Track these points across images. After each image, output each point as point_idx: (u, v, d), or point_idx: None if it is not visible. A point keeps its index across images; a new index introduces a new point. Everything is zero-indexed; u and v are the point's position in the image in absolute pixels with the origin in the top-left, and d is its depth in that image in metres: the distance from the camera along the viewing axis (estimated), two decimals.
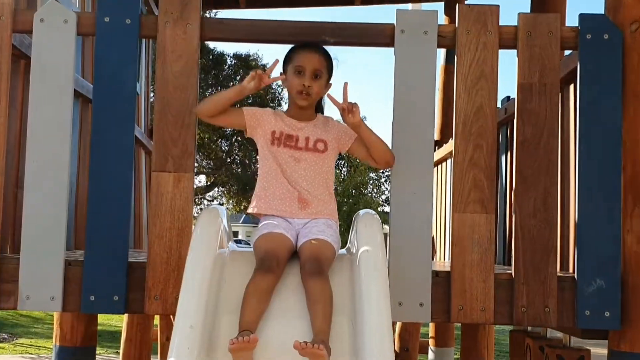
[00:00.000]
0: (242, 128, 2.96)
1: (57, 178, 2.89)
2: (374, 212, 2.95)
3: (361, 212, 2.93)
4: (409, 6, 7.84)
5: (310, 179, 2.91)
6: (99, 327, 4.78)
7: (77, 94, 3.67)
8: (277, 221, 2.85)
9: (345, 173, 29.39)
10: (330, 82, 2.99)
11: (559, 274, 2.94)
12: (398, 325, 7.96)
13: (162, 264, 2.86)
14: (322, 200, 2.92)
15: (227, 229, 2.92)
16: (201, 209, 25.36)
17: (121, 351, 6.00)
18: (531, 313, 2.90)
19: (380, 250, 2.71)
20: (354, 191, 28.93)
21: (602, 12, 3.05)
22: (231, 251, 2.89)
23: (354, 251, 2.82)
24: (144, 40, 5.51)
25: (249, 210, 2.97)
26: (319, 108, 3.05)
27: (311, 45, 2.96)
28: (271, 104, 24.54)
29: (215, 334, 2.58)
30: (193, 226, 2.82)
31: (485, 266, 2.92)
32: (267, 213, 2.88)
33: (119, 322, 10.35)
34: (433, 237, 6.03)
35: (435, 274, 2.93)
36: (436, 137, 6.63)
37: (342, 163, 28.54)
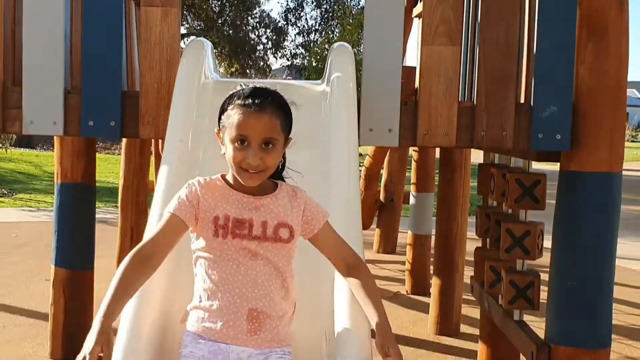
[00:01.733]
0: (187, 230, 2.10)
1: (53, 12, 3.08)
2: (348, 45, 3.17)
3: (335, 45, 3.15)
4: None
5: (269, 280, 2.09)
6: (97, 184, 5.00)
7: None
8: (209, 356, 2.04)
9: None
10: (289, 137, 2.14)
11: (518, 103, 3.21)
12: (383, 177, 8.30)
13: (153, 93, 3.11)
14: (279, 312, 2.11)
15: (212, 60, 3.15)
16: None
17: (119, 198, 6.33)
18: (490, 136, 3.18)
19: (350, 81, 2.97)
20: None
21: None
22: (215, 81, 3.14)
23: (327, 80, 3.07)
24: None
25: (181, 322, 2.17)
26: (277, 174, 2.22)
27: (258, 101, 2.03)
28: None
29: None
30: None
31: (450, 95, 3.17)
32: (202, 334, 2.08)
33: (116, 180, 10.69)
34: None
35: (404, 102, 3.19)
36: None
37: None
